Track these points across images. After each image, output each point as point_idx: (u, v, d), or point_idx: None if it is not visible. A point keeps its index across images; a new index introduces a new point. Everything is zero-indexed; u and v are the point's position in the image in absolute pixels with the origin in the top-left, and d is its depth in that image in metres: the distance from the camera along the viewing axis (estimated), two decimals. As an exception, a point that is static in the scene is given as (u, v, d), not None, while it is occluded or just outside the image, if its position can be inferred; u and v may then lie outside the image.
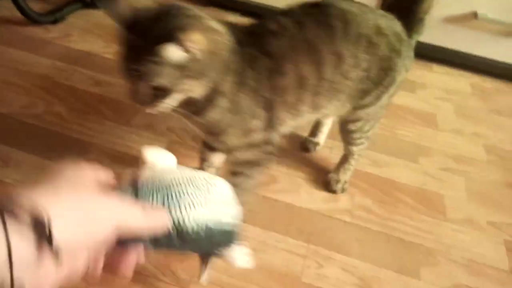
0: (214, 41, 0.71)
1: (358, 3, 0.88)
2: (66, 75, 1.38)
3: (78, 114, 1.24)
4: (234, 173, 0.91)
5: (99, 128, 1.20)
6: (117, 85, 1.37)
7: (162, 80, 0.67)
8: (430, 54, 1.73)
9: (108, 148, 1.15)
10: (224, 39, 0.74)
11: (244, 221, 1.00)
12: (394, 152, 1.29)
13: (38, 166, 1.05)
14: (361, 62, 0.84)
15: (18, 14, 1.55)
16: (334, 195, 1.11)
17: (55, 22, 1.63)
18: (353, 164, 1.10)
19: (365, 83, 0.87)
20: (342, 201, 1.10)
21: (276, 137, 0.89)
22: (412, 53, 0.94)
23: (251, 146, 0.87)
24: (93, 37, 1.60)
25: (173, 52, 0.65)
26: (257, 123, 0.83)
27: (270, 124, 0.85)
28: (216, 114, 0.78)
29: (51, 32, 1.59)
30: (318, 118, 1.10)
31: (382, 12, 0.90)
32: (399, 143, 1.33)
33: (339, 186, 1.11)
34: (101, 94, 1.33)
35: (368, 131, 1.01)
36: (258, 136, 0.85)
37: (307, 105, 0.86)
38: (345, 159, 1.11)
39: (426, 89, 1.61)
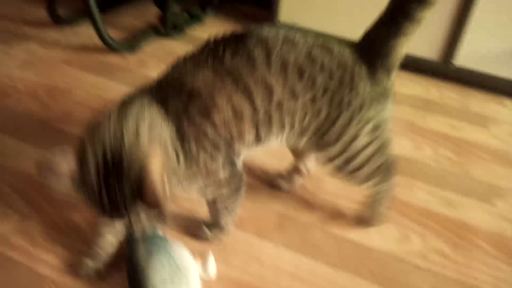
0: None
1: (300, 30, 0.84)
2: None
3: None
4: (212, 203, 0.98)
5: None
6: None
7: None
8: (501, 87, 1.65)
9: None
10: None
11: (314, 258, 1.01)
12: (467, 192, 1.23)
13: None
14: (299, 94, 0.82)
15: (98, 42, 1.67)
16: (405, 236, 1.09)
17: (131, 50, 1.73)
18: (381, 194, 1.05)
19: (314, 118, 0.85)
20: (415, 243, 1.07)
21: (239, 168, 0.92)
22: (380, 93, 0.86)
23: (220, 185, 0.90)
24: (166, 64, 1.68)
25: None
26: (215, 165, 0.85)
27: (228, 159, 0.87)
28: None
29: (128, 60, 1.69)
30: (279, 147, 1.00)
31: (333, 40, 0.84)
32: (472, 182, 1.27)
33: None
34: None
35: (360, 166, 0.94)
36: (221, 175, 0.88)
37: (251, 136, 0.85)
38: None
39: (499, 125, 1.54)
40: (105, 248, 0.94)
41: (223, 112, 0.80)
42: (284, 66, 0.80)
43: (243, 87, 0.79)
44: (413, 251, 1.05)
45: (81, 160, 0.69)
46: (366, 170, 0.93)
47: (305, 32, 0.84)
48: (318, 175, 1.25)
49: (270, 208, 1.14)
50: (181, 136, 0.79)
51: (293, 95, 0.82)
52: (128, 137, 0.69)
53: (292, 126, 0.86)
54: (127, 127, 0.70)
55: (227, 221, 1.01)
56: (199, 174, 0.85)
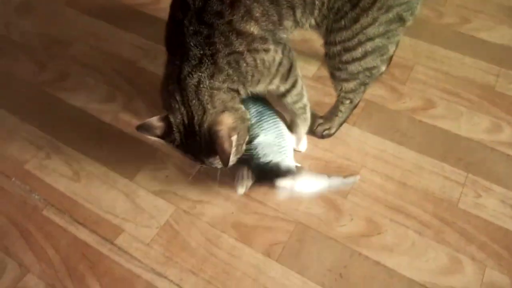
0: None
1: None
2: None
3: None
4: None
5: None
6: None
7: None
8: None
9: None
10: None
11: (399, 143, 1.04)
12: None
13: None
14: None
15: None
16: (497, 125, 1.06)
17: None
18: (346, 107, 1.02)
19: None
20: (506, 133, 1.05)
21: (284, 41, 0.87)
22: None
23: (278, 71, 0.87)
24: None
25: None
26: (270, 55, 0.82)
27: (275, 42, 0.83)
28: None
29: None
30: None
31: None
32: None
33: None
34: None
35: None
36: (277, 59, 0.84)
37: (290, 21, 0.83)
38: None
39: None
40: None
41: (261, 4, 0.78)
42: None
43: None
44: (504, 140, 1.04)
45: (168, 126, 0.80)
46: (356, 66, 0.90)
47: None
48: (407, 63, 1.22)
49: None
50: (235, 60, 0.79)
51: None
52: (195, 111, 0.78)
53: (322, 4, 0.83)
54: (193, 104, 0.78)
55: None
56: (263, 75, 0.85)
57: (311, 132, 1.05)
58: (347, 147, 1.05)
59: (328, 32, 0.87)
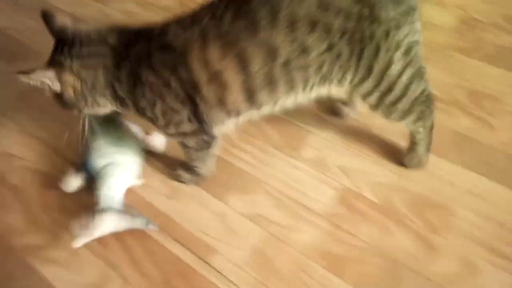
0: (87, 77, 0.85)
1: None
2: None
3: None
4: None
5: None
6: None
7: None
8: None
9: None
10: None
11: (495, 179, 1.00)
12: None
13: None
14: (311, 48, 0.79)
15: None
16: None
17: None
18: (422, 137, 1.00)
19: (335, 62, 0.82)
20: None
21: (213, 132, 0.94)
22: (406, 12, 0.80)
23: (182, 135, 0.94)
24: None
25: (50, 81, 0.85)
26: (177, 117, 0.88)
27: (196, 117, 0.88)
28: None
29: None
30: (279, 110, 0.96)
31: None
32: None
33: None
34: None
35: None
36: (185, 128, 0.91)
37: (239, 101, 0.86)
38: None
39: None
40: None
41: (197, 75, 0.81)
42: (292, 23, 0.76)
43: (236, 52, 0.79)
44: None
45: None
46: (405, 102, 0.89)
47: None
48: (496, 94, 1.19)
49: (446, 127, 1.13)
50: (133, 78, 0.84)
51: (304, 50, 0.79)
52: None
53: (306, 81, 0.85)
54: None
55: (200, 168, 1.03)
56: (156, 120, 0.90)
57: (402, 163, 1.05)
58: (439, 181, 1.03)
59: (354, 87, 0.88)
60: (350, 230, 0.95)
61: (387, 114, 0.93)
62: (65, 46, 0.84)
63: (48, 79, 0.85)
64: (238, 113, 0.90)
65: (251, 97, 0.85)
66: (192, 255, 0.94)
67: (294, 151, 1.12)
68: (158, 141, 1.10)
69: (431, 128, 1.00)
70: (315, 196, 1.02)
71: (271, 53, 0.79)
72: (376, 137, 1.12)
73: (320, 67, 0.83)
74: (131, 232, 0.96)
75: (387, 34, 0.80)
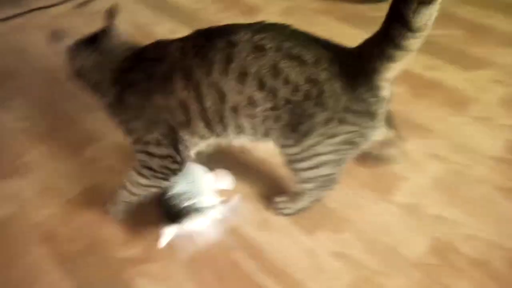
0: None
1: (285, 33, 0.81)
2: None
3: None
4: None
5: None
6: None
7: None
8: None
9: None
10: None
11: None
12: None
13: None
14: (259, 103, 0.81)
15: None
16: None
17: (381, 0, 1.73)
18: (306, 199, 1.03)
19: (275, 123, 0.84)
20: None
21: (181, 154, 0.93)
22: (362, 111, 0.80)
23: (149, 154, 0.92)
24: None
25: None
26: (149, 136, 0.90)
27: (169, 141, 0.89)
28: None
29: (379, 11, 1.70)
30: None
31: (315, 47, 0.79)
32: None
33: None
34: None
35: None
36: (152, 150, 0.91)
37: (200, 128, 0.88)
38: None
39: None
40: None
41: (167, 100, 0.85)
42: (242, 76, 0.79)
43: (193, 85, 0.82)
44: None
45: None
46: (310, 173, 0.92)
47: (290, 35, 0.81)
48: None
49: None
50: (120, 99, 0.90)
51: (251, 102, 0.81)
52: None
53: (253, 127, 0.86)
54: None
55: (122, 198, 1.01)
56: (130, 133, 0.92)
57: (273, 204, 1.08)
58: None
59: (282, 147, 0.90)
60: (446, 283, 0.92)
61: (292, 172, 0.95)
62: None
63: None
64: (203, 137, 0.92)
65: (210, 126, 0.88)
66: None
67: (387, 195, 1.11)
68: (225, 177, 1.12)
69: (316, 200, 1.04)
70: (407, 243, 0.99)
71: (221, 96, 0.82)
72: (475, 189, 1.10)
73: (264, 121, 0.85)
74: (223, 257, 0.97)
75: (327, 121, 0.81)
